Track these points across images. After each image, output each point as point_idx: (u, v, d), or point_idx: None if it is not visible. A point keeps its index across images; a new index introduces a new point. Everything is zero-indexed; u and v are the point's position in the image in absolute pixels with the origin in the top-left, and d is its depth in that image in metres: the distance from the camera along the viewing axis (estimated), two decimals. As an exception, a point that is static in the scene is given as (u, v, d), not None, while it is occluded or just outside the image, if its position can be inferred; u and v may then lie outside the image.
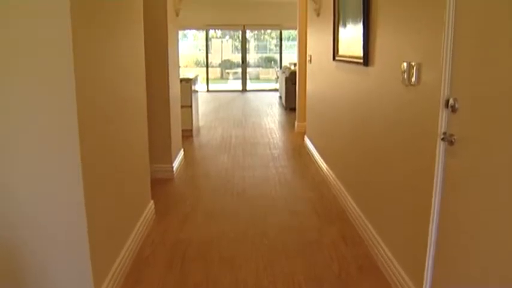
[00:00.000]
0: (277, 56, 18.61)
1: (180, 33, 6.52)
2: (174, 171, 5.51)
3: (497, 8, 1.81)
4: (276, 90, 16.15)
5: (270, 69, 21.24)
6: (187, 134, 7.68)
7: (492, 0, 1.85)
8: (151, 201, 4.10)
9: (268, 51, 22.86)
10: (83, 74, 2.41)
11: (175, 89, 5.69)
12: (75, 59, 2.29)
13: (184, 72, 8.68)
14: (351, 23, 4.07)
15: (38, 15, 2.24)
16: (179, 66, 6.21)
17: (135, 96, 3.57)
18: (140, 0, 3.78)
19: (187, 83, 7.46)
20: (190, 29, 17.40)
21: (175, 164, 5.64)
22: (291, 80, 10.51)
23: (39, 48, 2.26)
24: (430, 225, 2.35)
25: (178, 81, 6.11)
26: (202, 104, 11.58)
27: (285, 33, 18.03)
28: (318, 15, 5.87)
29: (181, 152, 6.22)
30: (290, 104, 10.66)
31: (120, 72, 3.17)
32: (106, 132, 2.85)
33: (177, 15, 5.76)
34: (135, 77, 3.56)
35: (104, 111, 2.80)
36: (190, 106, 7.62)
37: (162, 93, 5.24)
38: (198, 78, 9.03)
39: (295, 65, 10.44)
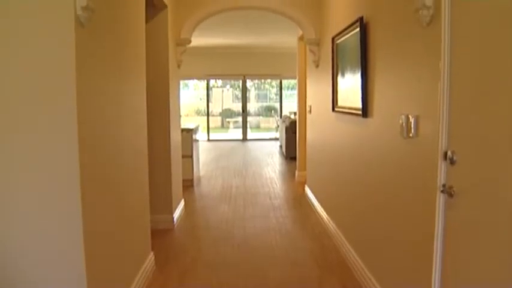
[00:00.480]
0: (277, 105, 18.80)
1: (181, 82, 6.63)
2: (175, 222, 5.48)
3: (493, 60, 1.86)
4: (276, 139, 16.22)
5: (271, 118, 21.42)
6: (188, 184, 7.68)
7: (487, 52, 1.90)
8: (152, 253, 4.07)
9: (268, 100, 23.14)
10: (85, 123, 2.45)
11: (176, 139, 5.73)
12: (78, 108, 2.35)
13: (185, 122, 8.76)
14: (349, 75, 4.15)
15: (43, 67, 2.32)
16: (180, 116, 6.28)
17: (136, 147, 3.60)
18: (143, 53, 3.87)
19: (188, 133, 7.52)
20: (191, 79, 17.63)
21: (176, 214, 5.62)
22: (291, 129, 10.58)
23: (43, 99, 2.33)
24: (433, 276, 2.33)
25: (179, 131, 6.16)
26: (203, 153, 11.62)
27: (284, 82, 18.26)
28: (317, 66, 5.98)
29: (182, 202, 6.21)
30: (290, 153, 10.70)
31: (121, 123, 3.21)
32: (107, 182, 2.87)
33: (179, 67, 5.88)
34: (136, 127, 3.61)
35: (104, 161, 2.83)
36: (191, 156, 7.65)
37: (163, 144, 5.28)
38: (199, 127, 9.11)
39: (295, 114, 10.53)
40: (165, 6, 5.07)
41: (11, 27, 2.31)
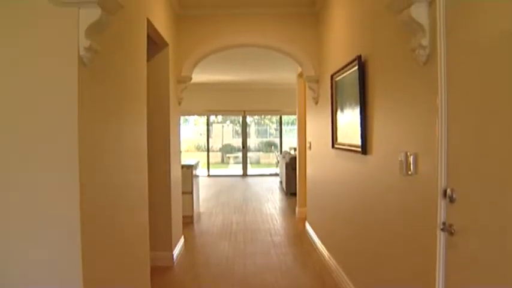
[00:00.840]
0: (277, 141, 18.84)
1: (182, 118, 6.67)
2: (174, 259, 5.44)
3: (489, 97, 1.88)
4: (276, 175, 16.21)
5: (271, 154, 21.45)
6: (188, 221, 7.64)
7: (484, 89, 1.93)
8: (151, 292, 4.04)
9: (268, 135, 23.20)
10: (86, 162, 2.47)
11: (176, 175, 5.74)
12: (80, 148, 2.37)
13: (186, 157, 8.78)
14: (348, 112, 4.18)
15: (44, 108, 2.35)
16: (180, 151, 6.30)
17: (136, 184, 3.61)
18: (144, 91, 3.91)
19: (189, 169, 7.53)
20: (191, 115, 17.73)
21: (176, 251, 5.58)
22: (291, 165, 10.59)
23: (44, 139, 2.35)
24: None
25: (180, 167, 6.18)
26: (203, 189, 11.60)
27: (284, 117, 18.36)
28: (317, 103, 6.03)
29: (182, 239, 6.17)
30: (291, 189, 10.68)
31: (122, 161, 3.23)
32: (106, 219, 2.86)
33: (179, 104, 5.93)
34: (136, 165, 3.62)
35: (104, 198, 2.84)
36: (191, 192, 7.64)
37: (163, 180, 5.28)
38: (199, 163, 9.12)
39: (295, 149, 10.56)
40: (167, 45, 5.16)
41: (14, 65, 2.36)
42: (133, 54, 3.58)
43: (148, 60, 4.15)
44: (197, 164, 8.46)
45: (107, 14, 2.47)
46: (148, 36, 4.13)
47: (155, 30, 4.46)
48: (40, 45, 2.38)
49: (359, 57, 3.73)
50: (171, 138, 5.33)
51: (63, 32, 2.38)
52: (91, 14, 2.38)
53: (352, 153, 4.06)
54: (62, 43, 2.38)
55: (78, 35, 2.37)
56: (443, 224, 2.20)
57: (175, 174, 5.67)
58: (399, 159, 2.78)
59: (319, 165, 6.03)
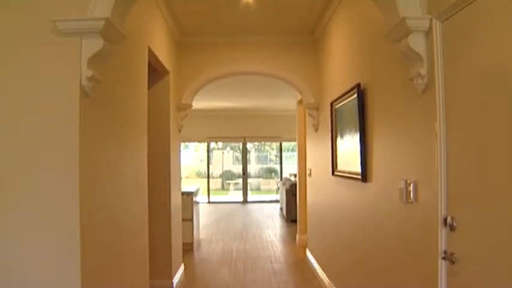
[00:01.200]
0: (277, 167, 18.81)
1: (182, 144, 6.69)
2: (174, 287, 5.39)
3: (488, 124, 1.90)
4: (276, 201, 16.14)
5: (271, 180, 21.40)
6: (188, 248, 7.59)
7: (482, 117, 1.95)
8: (150, 321, 3.99)
9: (268, 161, 23.18)
10: (87, 190, 2.48)
11: (176, 202, 5.73)
12: (80, 176, 2.38)
13: (186, 184, 8.76)
14: (348, 140, 4.20)
15: (46, 137, 2.37)
16: (180, 178, 6.30)
17: (136, 211, 3.60)
18: (145, 119, 3.93)
19: (189, 196, 7.51)
20: (192, 142, 17.76)
21: (176, 279, 5.53)
22: (291, 192, 10.56)
23: (45, 168, 2.36)
24: None
25: (180, 194, 6.17)
26: (203, 215, 11.55)
27: (284, 144, 18.37)
28: (317, 130, 6.05)
29: (182, 267, 6.12)
30: (291, 216, 10.63)
31: (122, 189, 3.23)
32: (106, 246, 2.85)
33: (180, 131, 5.95)
34: (137, 193, 3.62)
35: (104, 225, 2.83)
36: (191, 219, 7.60)
37: (163, 207, 5.26)
38: (199, 190, 9.10)
39: (295, 175, 10.54)
40: (167, 72, 5.20)
41: (18, 93, 2.39)
42: (135, 83, 3.62)
43: (149, 87, 4.18)
44: (197, 190, 8.44)
45: (109, 44, 2.51)
46: (149, 64, 4.18)
47: (156, 58, 4.51)
48: (42, 75, 2.41)
49: (358, 85, 3.77)
50: (172, 165, 5.33)
51: (65, 61, 2.41)
52: (93, 45, 2.41)
53: (353, 181, 4.06)
54: (64, 73, 2.41)
55: (80, 65, 2.40)
56: (445, 252, 2.20)
57: (176, 201, 5.66)
58: (399, 187, 2.78)
59: (319, 192, 6.02)
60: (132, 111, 3.54)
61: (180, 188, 6.23)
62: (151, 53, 4.21)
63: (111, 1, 2.44)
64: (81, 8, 2.42)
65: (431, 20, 2.35)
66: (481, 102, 1.96)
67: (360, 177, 3.74)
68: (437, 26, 2.33)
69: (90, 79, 2.41)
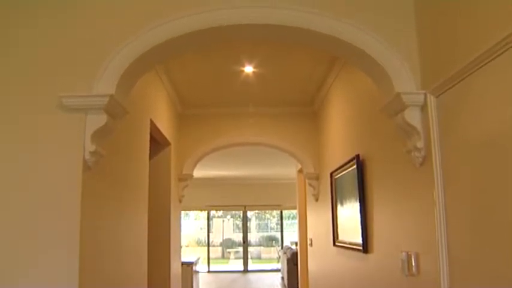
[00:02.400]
0: (278, 235, 18.59)
1: (182, 212, 6.67)
2: None
3: (486, 194, 1.92)
4: (278, 270, 15.85)
5: (272, 248, 21.08)
6: (187, 320, 7.41)
7: (480, 187, 1.97)
8: None
9: (269, 229, 22.91)
10: (86, 264, 2.46)
11: (176, 272, 5.64)
12: (81, 249, 2.38)
13: (186, 253, 8.66)
14: (348, 210, 4.20)
15: (48, 209, 2.40)
16: (181, 247, 6.24)
17: (135, 277, 3.55)
18: (146, 190, 3.95)
19: (189, 267, 7.42)
20: (192, 210, 17.66)
21: None
22: (292, 261, 10.40)
23: (46, 240, 2.37)
24: None
25: (180, 264, 6.08)
26: (203, 285, 11.31)
27: (285, 212, 18.23)
28: (317, 200, 6.05)
29: None
30: (293, 286, 10.40)
31: (121, 260, 3.21)
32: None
33: (180, 201, 5.95)
34: (136, 264, 3.59)
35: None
36: (191, 290, 7.48)
37: (163, 278, 5.18)
38: (199, 259, 8.98)
39: (296, 243, 10.41)
40: (169, 144, 5.27)
41: (22, 166, 2.43)
42: (136, 154, 3.67)
43: (150, 158, 4.23)
44: (197, 260, 8.34)
45: (112, 120, 2.57)
46: (151, 135, 4.24)
47: (158, 130, 4.59)
48: (47, 149, 2.47)
49: (357, 157, 3.81)
50: (172, 235, 5.30)
51: (70, 136, 2.47)
52: (97, 120, 2.47)
53: (354, 252, 4.02)
54: (68, 147, 2.46)
55: (84, 140, 2.45)
56: (449, 327, 2.16)
57: (175, 271, 5.58)
58: (401, 259, 2.76)
59: (320, 262, 5.94)
60: (133, 182, 3.56)
61: (180, 258, 6.16)
62: (153, 125, 4.28)
63: (116, 78, 2.52)
64: (87, 84, 2.50)
65: (425, 94, 2.42)
66: (476, 172, 1.99)
67: (360, 248, 3.71)
68: (431, 100, 2.39)
69: (93, 154, 2.45)
